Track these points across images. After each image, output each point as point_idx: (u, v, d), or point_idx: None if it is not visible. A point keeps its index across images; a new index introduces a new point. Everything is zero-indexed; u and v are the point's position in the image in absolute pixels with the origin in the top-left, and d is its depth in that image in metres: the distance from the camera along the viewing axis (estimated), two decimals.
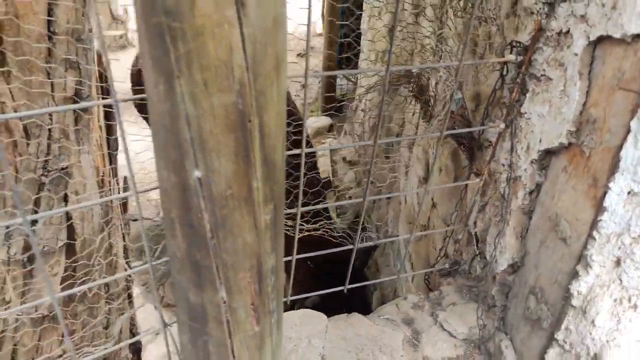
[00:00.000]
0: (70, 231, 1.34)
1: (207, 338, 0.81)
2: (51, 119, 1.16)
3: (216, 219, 0.67)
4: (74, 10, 1.07)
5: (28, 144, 1.15)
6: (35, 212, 1.25)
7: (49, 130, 1.20)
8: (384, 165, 3.72)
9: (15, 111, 1.08)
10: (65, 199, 1.30)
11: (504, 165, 1.30)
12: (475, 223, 1.47)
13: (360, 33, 4.85)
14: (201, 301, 0.76)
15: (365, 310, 1.61)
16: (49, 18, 1.02)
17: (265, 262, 0.76)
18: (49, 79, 1.11)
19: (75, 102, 1.18)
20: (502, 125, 1.33)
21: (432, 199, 2.88)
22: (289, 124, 2.17)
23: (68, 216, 1.33)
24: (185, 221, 0.68)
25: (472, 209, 1.42)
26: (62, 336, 1.45)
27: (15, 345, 1.34)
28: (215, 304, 0.76)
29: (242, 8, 0.52)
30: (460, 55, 1.17)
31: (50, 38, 1.06)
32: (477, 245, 1.47)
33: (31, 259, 1.30)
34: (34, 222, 1.27)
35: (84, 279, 1.43)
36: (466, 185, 1.53)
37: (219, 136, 0.60)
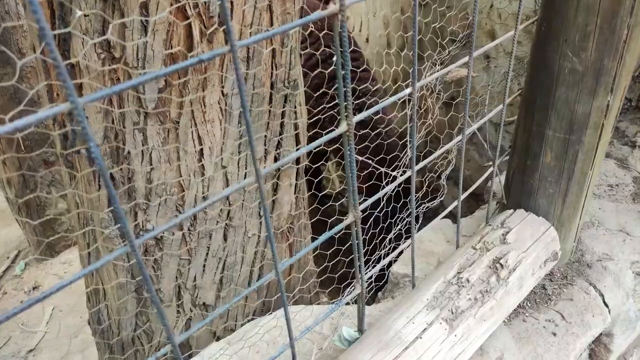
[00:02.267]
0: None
1: (579, 147, 1.02)
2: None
3: (635, 22, 0.87)
4: None
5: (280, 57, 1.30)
6: (282, 125, 1.41)
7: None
8: None
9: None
10: (295, 113, 1.46)
11: None
12: None
13: None
14: (589, 109, 0.97)
15: None
16: None
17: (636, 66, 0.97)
18: None
19: None
20: None
21: None
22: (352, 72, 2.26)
23: (296, 133, 1.49)
24: (607, 30, 0.87)
25: None
26: (290, 246, 1.65)
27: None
28: (600, 109, 0.97)
29: None
30: None
31: None
32: None
33: (273, 176, 1.48)
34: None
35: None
36: None
37: None
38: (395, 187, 0.96)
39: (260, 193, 0.62)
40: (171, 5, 1.04)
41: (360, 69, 2.33)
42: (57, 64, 0.41)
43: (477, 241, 1.07)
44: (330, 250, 1.81)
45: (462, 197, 1.05)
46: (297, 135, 1.48)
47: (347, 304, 1.34)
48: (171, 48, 1.09)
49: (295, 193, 1.58)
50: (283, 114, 1.40)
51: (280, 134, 1.42)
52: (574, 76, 0.95)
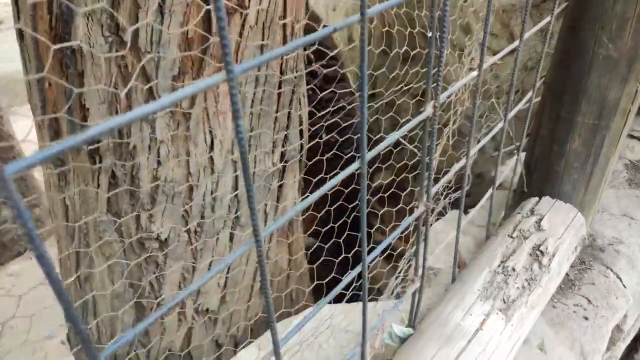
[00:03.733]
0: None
1: (606, 132, 1.05)
2: None
3: None
4: None
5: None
6: (289, 118, 1.35)
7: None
8: None
9: None
10: (300, 106, 1.40)
11: None
12: None
13: None
14: (619, 95, 1.00)
15: None
16: None
17: None
18: None
19: None
20: None
21: None
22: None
23: (300, 127, 1.43)
24: None
25: None
26: (289, 245, 1.60)
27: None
28: (630, 95, 1.00)
29: None
30: None
31: None
32: None
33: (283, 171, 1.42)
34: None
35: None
36: None
37: None
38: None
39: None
40: None
41: (342, 72, 2.24)
42: (225, 41, 0.34)
43: (512, 229, 1.07)
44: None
45: (496, 184, 1.05)
46: (300, 130, 1.43)
47: (373, 300, 1.32)
48: (187, 32, 1.00)
49: (298, 190, 1.53)
50: (290, 106, 1.35)
51: (287, 128, 1.36)
52: (607, 63, 0.97)
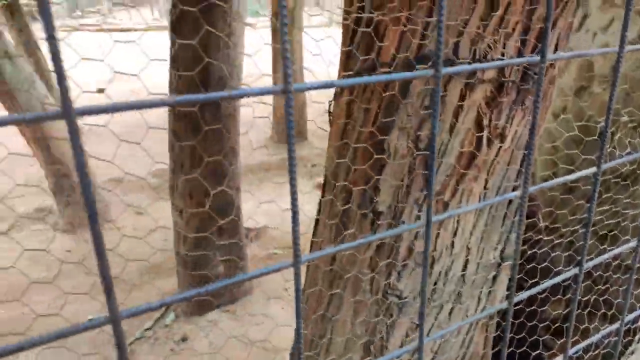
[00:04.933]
0: None
1: None
2: None
3: None
4: None
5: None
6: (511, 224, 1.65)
7: None
8: None
9: None
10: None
11: None
12: None
13: None
14: None
15: None
16: None
17: None
18: None
19: None
20: None
21: None
22: None
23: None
24: None
25: None
26: (486, 339, 1.78)
27: None
28: None
29: None
30: None
31: None
32: None
33: None
34: None
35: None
36: None
37: None
38: None
39: None
40: (475, 117, 1.38)
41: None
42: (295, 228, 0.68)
43: None
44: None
45: None
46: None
47: None
48: (462, 148, 1.41)
49: (507, 289, 1.75)
50: (515, 214, 1.64)
51: (510, 231, 1.65)
52: None
